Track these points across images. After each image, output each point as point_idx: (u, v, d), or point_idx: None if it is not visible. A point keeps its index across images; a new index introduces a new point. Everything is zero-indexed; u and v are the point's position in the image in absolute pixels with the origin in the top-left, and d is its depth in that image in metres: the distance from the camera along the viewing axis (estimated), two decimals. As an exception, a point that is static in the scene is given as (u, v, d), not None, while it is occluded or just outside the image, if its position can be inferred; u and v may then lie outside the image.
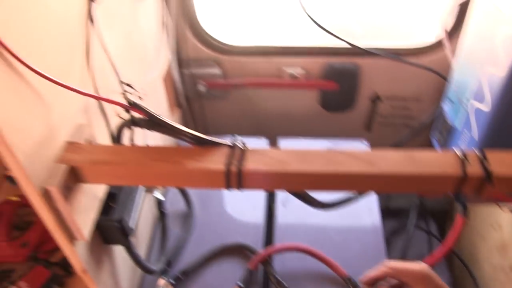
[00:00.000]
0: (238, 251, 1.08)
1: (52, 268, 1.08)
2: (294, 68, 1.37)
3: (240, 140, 0.67)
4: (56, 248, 1.10)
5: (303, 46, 1.36)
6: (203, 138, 0.68)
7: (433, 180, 0.64)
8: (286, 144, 1.33)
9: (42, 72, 0.59)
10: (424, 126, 1.34)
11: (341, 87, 1.39)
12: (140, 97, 0.84)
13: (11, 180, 1.30)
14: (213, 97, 1.48)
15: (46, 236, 1.13)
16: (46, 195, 0.63)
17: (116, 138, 0.78)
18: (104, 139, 0.82)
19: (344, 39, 1.21)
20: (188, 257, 1.07)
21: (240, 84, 1.41)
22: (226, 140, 0.68)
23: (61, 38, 0.68)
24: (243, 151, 0.65)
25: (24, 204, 1.21)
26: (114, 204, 0.84)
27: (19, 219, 1.21)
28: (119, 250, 0.92)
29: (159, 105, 1.22)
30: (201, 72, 1.40)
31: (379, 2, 1.56)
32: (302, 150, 0.66)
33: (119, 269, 0.93)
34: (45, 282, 1.03)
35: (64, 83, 0.63)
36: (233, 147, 0.66)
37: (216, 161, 0.64)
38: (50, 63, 0.64)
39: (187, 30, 1.32)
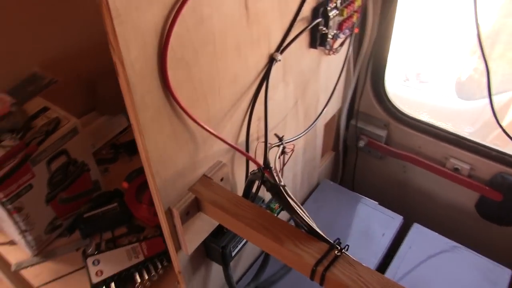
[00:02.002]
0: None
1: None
2: (461, 162, 1.29)
3: (342, 244, 0.70)
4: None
5: (477, 143, 1.27)
6: (312, 228, 0.72)
7: None
8: (419, 234, 1.27)
9: (199, 122, 0.70)
10: None
11: (506, 201, 1.27)
12: (284, 151, 0.91)
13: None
14: (369, 154, 1.48)
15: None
16: (168, 214, 0.76)
17: (247, 186, 0.87)
18: (240, 180, 0.92)
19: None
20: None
21: (399, 155, 1.38)
22: (331, 239, 0.71)
23: (234, 93, 0.79)
24: (337, 257, 0.68)
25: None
26: (227, 230, 0.94)
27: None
28: (216, 266, 1.02)
29: (313, 145, 1.28)
30: (367, 129, 1.42)
31: None
32: (391, 282, 0.65)
33: (210, 281, 1.04)
34: (157, 253, 1.21)
35: (215, 132, 0.73)
36: (332, 247, 0.69)
37: (310, 254, 0.68)
38: (213, 113, 0.75)
39: (368, 86, 1.34)
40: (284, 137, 0.91)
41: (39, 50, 1.37)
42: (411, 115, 1.34)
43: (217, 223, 0.90)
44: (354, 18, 1.04)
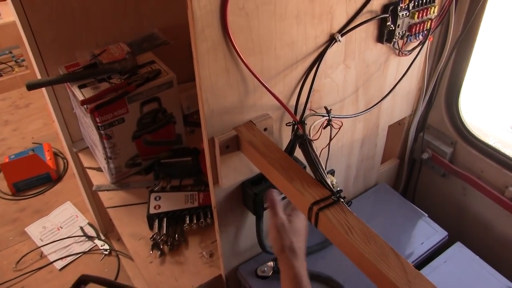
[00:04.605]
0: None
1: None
2: (519, 193, 1.27)
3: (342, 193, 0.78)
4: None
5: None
6: (323, 178, 0.81)
7: None
8: (460, 252, 1.26)
9: (251, 68, 0.83)
10: None
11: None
12: (330, 124, 1.01)
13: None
14: (432, 170, 1.50)
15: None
16: (211, 142, 0.91)
17: (289, 143, 0.98)
18: (286, 140, 1.03)
19: None
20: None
21: (461, 175, 1.39)
22: (334, 188, 0.80)
23: (289, 56, 0.91)
24: (333, 202, 0.77)
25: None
26: (265, 181, 1.06)
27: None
28: (251, 219, 1.14)
29: (373, 142, 1.34)
30: (433, 143, 1.44)
31: None
32: (373, 233, 0.72)
33: (241, 226, 1.15)
34: (210, 204, 1.36)
35: (267, 85, 0.86)
36: (331, 193, 0.78)
37: (311, 195, 0.78)
38: (266, 67, 0.88)
39: (442, 101, 1.37)
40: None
41: (161, 14, 1.62)
42: (480, 138, 1.34)
43: (256, 172, 1.03)
44: (428, 25, 1.11)
